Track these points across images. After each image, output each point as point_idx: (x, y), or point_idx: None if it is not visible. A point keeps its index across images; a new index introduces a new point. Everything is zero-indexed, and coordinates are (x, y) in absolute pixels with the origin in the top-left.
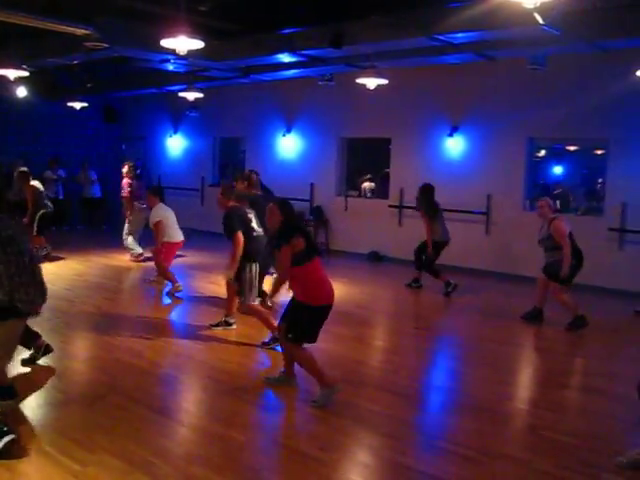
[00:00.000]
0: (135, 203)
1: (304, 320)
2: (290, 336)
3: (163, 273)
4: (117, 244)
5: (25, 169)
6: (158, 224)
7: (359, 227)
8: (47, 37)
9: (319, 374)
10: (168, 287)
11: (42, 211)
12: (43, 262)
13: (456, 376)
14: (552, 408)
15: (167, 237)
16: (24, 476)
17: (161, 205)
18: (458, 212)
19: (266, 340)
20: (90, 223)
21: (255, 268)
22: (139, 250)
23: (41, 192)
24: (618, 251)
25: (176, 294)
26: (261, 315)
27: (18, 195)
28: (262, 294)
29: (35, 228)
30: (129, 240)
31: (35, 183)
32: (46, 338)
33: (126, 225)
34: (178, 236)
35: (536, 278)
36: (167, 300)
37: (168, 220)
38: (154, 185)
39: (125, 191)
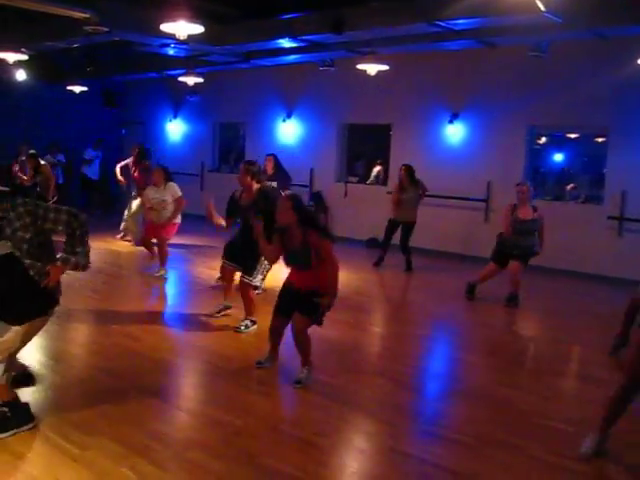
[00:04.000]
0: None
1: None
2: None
3: (164, 251)
4: (117, 228)
5: (34, 151)
6: (181, 199)
7: (358, 213)
8: (46, 20)
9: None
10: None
11: None
12: None
13: (451, 363)
14: (545, 395)
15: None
16: (24, 459)
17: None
18: (457, 199)
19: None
20: (88, 205)
21: None
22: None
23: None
24: (617, 239)
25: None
26: None
27: (30, 179)
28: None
29: None
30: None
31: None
32: None
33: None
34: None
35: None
36: (165, 286)
37: None
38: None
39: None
